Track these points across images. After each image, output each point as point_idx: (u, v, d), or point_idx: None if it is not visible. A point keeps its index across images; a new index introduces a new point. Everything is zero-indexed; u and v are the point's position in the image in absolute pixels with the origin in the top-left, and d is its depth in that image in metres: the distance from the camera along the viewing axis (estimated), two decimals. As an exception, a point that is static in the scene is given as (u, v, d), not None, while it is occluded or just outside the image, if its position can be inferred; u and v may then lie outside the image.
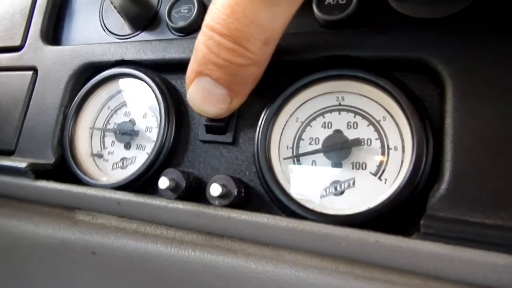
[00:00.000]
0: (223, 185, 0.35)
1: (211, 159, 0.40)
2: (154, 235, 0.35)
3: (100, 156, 0.46)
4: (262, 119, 0.37)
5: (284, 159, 0.37)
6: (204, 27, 0.31)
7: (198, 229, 0.33)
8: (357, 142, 0.35)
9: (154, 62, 0.43)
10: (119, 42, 0.47)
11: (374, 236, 0.26)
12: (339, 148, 0.35)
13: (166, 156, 0.40)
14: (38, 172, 0.42)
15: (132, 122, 0.45)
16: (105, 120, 0.47)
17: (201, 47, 0.32)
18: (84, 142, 0.46)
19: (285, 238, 0.29)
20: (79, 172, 0.44)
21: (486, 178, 0.27)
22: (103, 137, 0.47)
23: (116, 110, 0.47)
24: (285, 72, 0.38)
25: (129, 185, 0.40)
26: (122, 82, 0.46)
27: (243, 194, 0.36)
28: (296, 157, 0.37)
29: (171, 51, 0.42)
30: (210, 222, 0.32)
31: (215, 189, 0.34)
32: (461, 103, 0.30)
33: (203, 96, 0.35)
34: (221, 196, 0.34)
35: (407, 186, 0.31)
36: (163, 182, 0.36)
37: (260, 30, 0.30)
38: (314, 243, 0.28)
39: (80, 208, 0.39)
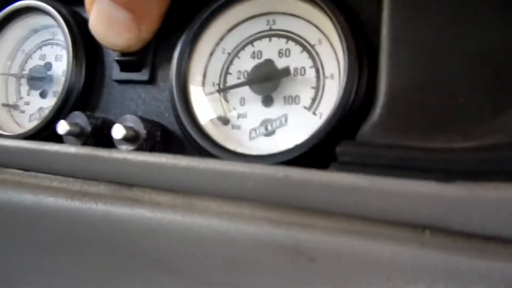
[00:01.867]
0: (128, 127, 0.29)
1: (127, 101, 0.34)
2: (52, 187, 0.30)
3: (16, 107, 0.41)
4: (178, 48, 0.31)
5: (207, 95, 0.32)
6: None
7: (95, 178, 0.28)
8: (287, 72, 0.30)
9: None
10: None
11: (283, 170, 0.21)
12: (265, 80, 0.30)
13: (77, 100, 0.35)
14: None
15: (47, 66, 0.39)
16: (20, 65, 0.41)
17: None
18: (-3, 92, 0.41)
19: (186, 178, 0.24)
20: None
21: (423, 95, 0.22)
22: (19, 86, 0.41)
23: (31, 54, 0.41)
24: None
25: (36, 135, 0.35)
26: (34, 20, 0.40)
27: (158, 138, 0.31)
28: (220, 93, 0.32)
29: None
30: (106, 168, 0.27)
31: (117, 131, 0.29)
32: (398, 10, 0.24)
33: (105, 22, 0.30)
34: (126, 139, 0.29)
35: (335, 116, 0.25)
36: (62, 127, 0.30)
37: None
38: (216, 183, 0.23)
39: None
